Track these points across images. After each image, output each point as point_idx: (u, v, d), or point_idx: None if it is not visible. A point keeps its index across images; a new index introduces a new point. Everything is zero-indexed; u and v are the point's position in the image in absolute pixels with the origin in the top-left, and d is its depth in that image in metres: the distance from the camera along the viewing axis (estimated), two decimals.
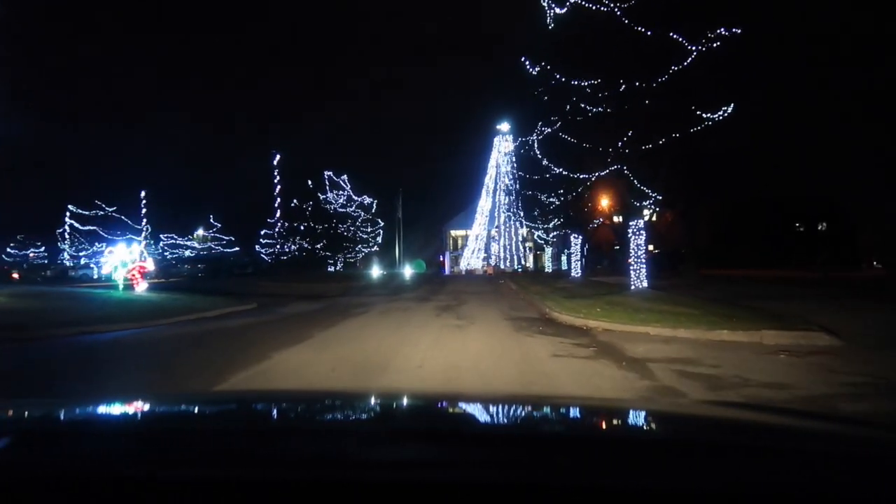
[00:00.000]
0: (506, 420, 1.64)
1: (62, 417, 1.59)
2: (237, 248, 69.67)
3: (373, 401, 2.01)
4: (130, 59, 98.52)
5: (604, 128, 16.45)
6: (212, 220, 72.48)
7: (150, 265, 17.30)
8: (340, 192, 51.61)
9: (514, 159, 55.49)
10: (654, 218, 44.04)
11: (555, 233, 39.73)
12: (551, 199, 29.69)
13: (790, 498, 0.92)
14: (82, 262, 60.47)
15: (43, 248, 77.77)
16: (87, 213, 69.60)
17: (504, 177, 61.23)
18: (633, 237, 16.64)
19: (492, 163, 65.65)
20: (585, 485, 0.95)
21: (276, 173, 50.65)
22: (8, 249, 74.87)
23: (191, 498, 0.95)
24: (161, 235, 68.04)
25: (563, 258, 48.34)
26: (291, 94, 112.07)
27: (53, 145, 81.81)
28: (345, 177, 51.55)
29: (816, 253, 42.81)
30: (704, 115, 15.26)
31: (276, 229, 51.83)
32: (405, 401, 2.06)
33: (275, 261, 54.58)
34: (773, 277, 26.40)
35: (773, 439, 1.28)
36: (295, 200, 49.61)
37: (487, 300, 18.35)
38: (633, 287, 16.69)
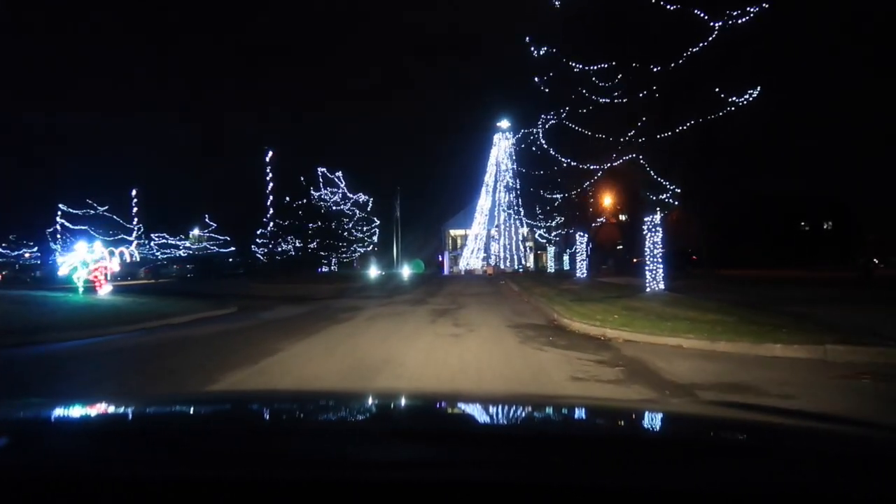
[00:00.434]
0: (505, 420, 1.62)
1: (57, 417, 1.55)
2: (233, 249, 68.22)
3: (372, 400, 1.97)
4: (126, 55, 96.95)
5: (616, 114, 14.91)
6: (207, 220, 71.08)
7: (114, 265, 15.75)
8: (335, 190, 49.91)
9: (514, 156, 54.01)
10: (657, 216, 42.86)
11: (557, 231, 38.18)
12: (555, 196, 28.14)
13: (790, 498, 0.91)
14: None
15: (36, 248, 76.29)
16: (78, 212, 68.19)
17: (505, 172, 59.77)
18: (648, 234, 15.12)
19: (491, 161, 64.38)
20: (585, 485, 0.94)
21: (268, 170, 48.99)
22: (0, 250, 73.33)
23: (190, 498, 0.93)
24: (152, 235, 66.47)
25: (566, 258, 46.91)
26: (290, 94, 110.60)
27: (47, 142, 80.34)
28: (339, 173, 49.86)
29: (816, 252, 41.57)
30: (729, 99, 13.72)
31: (269, 228, 50.12)
32: (404, 401, 2.03)
33: (270, 261, 53.03)
34: (798, 278, 24.81)
35: (773, 439, 1.28)
36: (287, 198, 47.89)
37: (488, 303, 16.85)
38: (648, 289, 15.18)
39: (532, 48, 16.22)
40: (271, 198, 49.38)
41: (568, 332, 10.01)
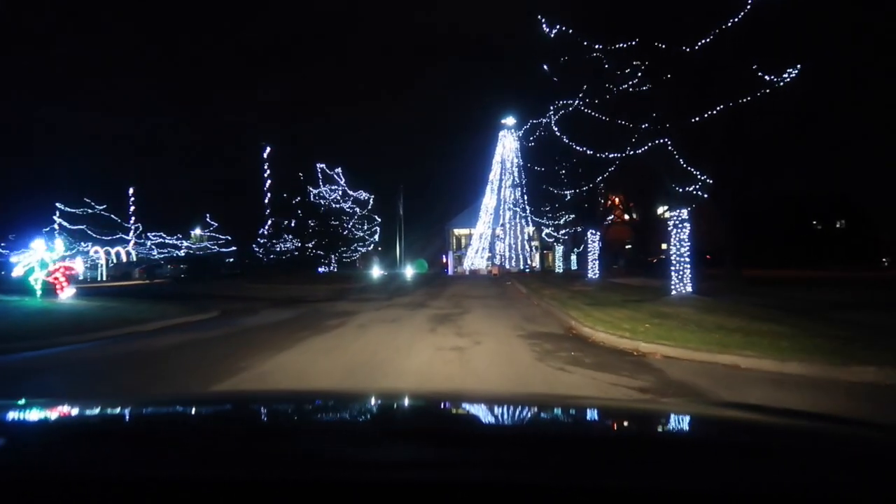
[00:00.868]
0: (506, 420, 1.60)
1: (58, 418, 1.53)
2: (234, 248, 66.99)
3: (372, 400, 1.95)
4: (126, 53, 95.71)
5: (638, 98, 13.35)
6: (208, 220, 69.85)
7: (77, 265, 14.24)
8: (334, 188, 48.23)
9: (518, 153, 52.41)
10: (667, 214, 41.09)
11: (565, 230, 36.53)
12: (564, 193, 26.52)
13: (790, 498, 0.91)
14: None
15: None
16: (76, 211, 67.10)
17: (511, 169, 58.17)
18: (674, 230, 13.53)
19: (496, 158, 62.80)
20: (587, 485, 0.93)
21: (266, 167, 47.37)
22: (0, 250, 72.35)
23: (190, 498, 0.93)
24: (149, 234, 65.18)
25: (574, 257, 45.27)
26: (290, 92, 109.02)
27: (47, 141, 79.19)
28: (338, 170, 48.10)
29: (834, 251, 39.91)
30: (766, 78, 12.13)
31: (266, 226, 48.49)
32: (405, 401, 2.00)
33: (269, 260, 51.54)
34: (825, 279, 23.09)
35: (773, 439, 1.27)
36: (284, 195, 46.22)
37: (495, 307, 15.31)
38: (673, 292, 13.59)
39: (545, 25, 14.63)
40: (269, 195, 47.76)
41: (592, 345, 8.46)
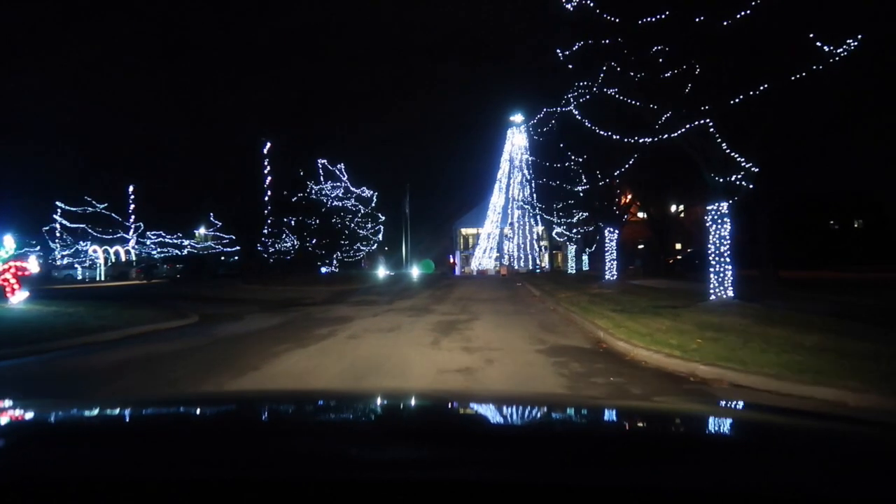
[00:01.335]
0: (506, 420, 1.58)
1: (54, 418, 1.52)
2: (238, 248, 65.80)
3: (373, 400, 1.93)
4: (126, 53, 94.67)
5: (674, 73, 11.65)
6: (212, 219, 68.74)
7: (31, 265, 12.70)
8: (336, 184, 46.62)
9: (528, 150, 50.64)
10: (682, 213, 39.10)
11: (578, 228, 34.71)
12: (577, 189, 24.76)
13: (790, 498, 0.89)
14: (65, 261, 56.81)
15: (38, 248, 74.46)
16: (76, 210, 66.06)
17: (521, 166, 56.43)
18: (713, 226, 11.83)
19: (504, 157, 61.22)
20: (587, 485, 0.92)
21: (266, 163, 45.76)
22: None
23: (190, 499, 0.92)
24: (149, 233, 63.97)
25: (585, 257, 43.53)
26: (297, 93, 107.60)
27: (46, 141, 78.21)
28: (341, 166, 46.44)
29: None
30: (826, 49, 10.40)
31: (266, 225, 46.92)
32: (405, 401, 1.99)
33: (273, 260, 50.08)
34: (865, 281, 21.21)
35: (773, 439, 1.26)
36: (284, 192, 44.64)
37: (506, 313, 13.64)
38: (713, 296, 11.87)
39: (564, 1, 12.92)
40: (269, 193, 46.16)
41: (632, 366, 6.80)
